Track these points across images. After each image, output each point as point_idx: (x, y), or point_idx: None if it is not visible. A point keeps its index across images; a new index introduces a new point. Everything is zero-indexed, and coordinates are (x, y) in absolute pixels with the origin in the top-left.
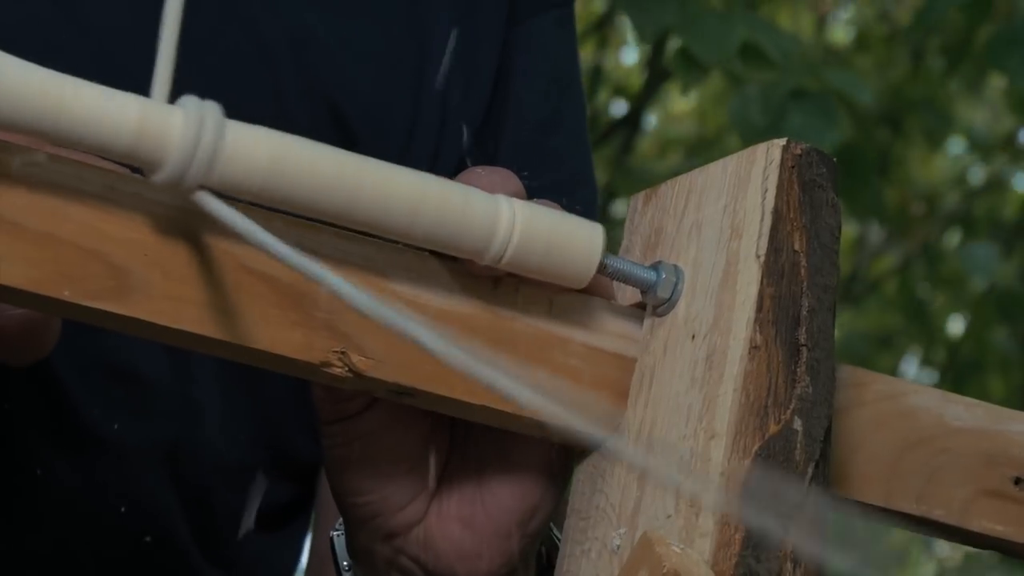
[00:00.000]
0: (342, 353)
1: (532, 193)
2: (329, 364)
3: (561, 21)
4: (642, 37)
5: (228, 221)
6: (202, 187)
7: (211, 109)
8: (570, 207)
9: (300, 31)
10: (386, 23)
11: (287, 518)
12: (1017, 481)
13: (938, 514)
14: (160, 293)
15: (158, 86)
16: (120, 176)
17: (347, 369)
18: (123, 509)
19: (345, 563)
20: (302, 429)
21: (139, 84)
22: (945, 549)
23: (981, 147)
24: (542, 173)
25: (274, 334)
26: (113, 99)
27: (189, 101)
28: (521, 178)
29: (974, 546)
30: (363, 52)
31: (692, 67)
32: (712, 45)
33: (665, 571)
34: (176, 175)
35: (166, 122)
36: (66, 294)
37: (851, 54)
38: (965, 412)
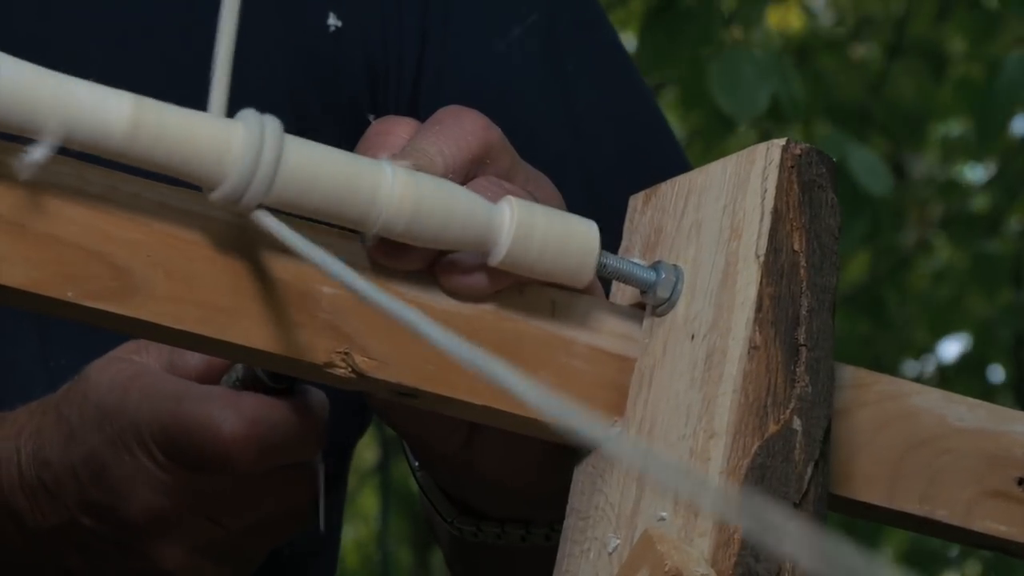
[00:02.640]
0: (345, 354)
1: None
2: (332, 365)
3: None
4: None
5: (289, 242)
6: (260, 205)
7: (271, 124)
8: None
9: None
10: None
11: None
12: (1020, 482)
13: (941, 515)
14: (163, 294)
15: (215, 100)
16: (122, 177)
17: (350, 370)
18: None
19: (416, 463)
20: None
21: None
22: None
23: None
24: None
25: (277, 335)
26: (173, 114)
27: (249, 116)
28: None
29: (977, 547)
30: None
31: (721, 124)
32: (744, 102)
33: (667, 569)
34: (236, 193)
35: (226, 137)
36: (69, 295)
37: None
38: (968, 413)
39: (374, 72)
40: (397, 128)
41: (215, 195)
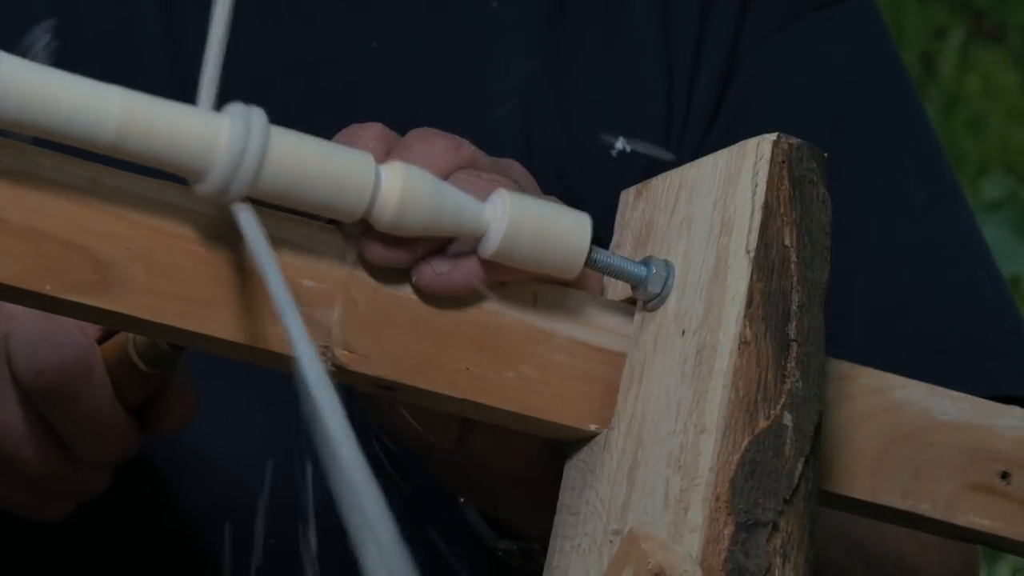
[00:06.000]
0: (325, 348)
1: None
2: None
3: (825, 25)
4: None
5: (252, 246)
6: (245, 198)
7: (256, 115)
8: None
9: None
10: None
11: None
12: (1003, 475)
13: (924, 508)
14: (142, 287)
15: (204, 92)
16: (103, 170)
17: (331, 364)
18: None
19: None
20: None
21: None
22: None
23: None
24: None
25: (257, 329)
26: (163, 108)
27: (235, 108)
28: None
29: (960, 540)
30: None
31: None
32: None
33: (650, 567)
34: (222, 185)
35: (214, 129)
36: (48, 288)
37: None
38: (951, 406)
39: None
40: (366, 131)
41: (200, 187)
